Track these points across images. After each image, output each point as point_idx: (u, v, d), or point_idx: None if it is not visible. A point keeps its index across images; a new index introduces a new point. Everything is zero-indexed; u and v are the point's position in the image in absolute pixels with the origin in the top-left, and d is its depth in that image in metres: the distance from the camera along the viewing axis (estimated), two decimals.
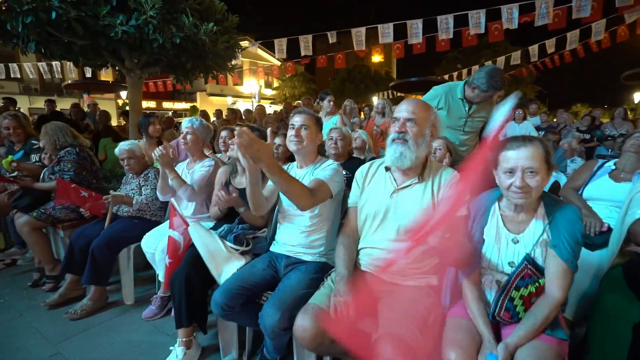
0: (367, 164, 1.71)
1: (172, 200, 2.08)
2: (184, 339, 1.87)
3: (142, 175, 2.71)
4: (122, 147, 2.67)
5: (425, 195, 1.49)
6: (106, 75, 11.11)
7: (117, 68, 4.45)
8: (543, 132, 5.47)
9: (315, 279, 1.67)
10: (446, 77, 14.35)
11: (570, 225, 1.24)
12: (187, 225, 1.96)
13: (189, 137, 2.42)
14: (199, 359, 1.98)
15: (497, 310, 1.26)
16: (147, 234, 2.44)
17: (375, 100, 17.68)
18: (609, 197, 2.02)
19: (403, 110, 1.48)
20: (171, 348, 1.92)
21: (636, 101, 17.15)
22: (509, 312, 1.25)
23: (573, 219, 1.25)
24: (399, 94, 17.46)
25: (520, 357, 1.14)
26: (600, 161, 2.15)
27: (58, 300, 2.56)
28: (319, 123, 1.84)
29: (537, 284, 1.24)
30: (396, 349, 1.16)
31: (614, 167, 2.08)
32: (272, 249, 1.92)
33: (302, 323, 1.37)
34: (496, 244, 1.35)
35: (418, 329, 1.25)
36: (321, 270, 1.72)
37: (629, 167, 2.04)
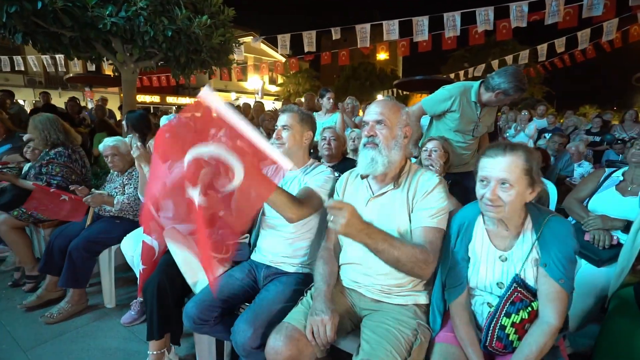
0: (347, 173, 1.61)
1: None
2: (154, 352, 1.75)
3: (126, 173, 2.58)
4: (107, 143, 2.55)
5: (400, 201, 1.37)
6: (109, 69, 10.97)
7: (109, 61, 4.34)
8: (550, 135, 5.27)
9: (295, 291, 1.56)
10: (452, 75, 14.09)
11: (561, 240, 1.09)
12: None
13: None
14: None
15: (488, 340, 1.13)
16: (127, 236, 2.33)
17: (379, 98, 17.46)
18: (614, 212, 1.84)
19: (371, 112, 1.38)
20: None
21: None
22: (502, 342, 1.12)
23: (564, 233, 1.10)
24: (404, 92, 17.25)
25: None
26: (608, 170, 1.99)
27: (36, 302, 2.47)
28: (305, 121, 1.69)
29: (529, 308, 1.10)
30: None
31: (621, 178, 1.91)
32: (252, 257, 1.81)
33: (275, 345, 1.24)
34: (483, 263, 1.20)
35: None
36: (303, 282, 1.61)
37: (637, 179, 1.87)
